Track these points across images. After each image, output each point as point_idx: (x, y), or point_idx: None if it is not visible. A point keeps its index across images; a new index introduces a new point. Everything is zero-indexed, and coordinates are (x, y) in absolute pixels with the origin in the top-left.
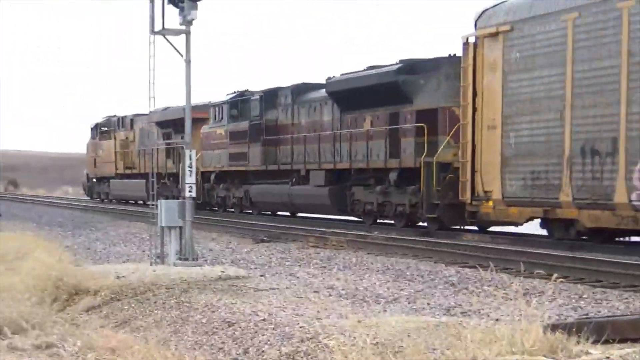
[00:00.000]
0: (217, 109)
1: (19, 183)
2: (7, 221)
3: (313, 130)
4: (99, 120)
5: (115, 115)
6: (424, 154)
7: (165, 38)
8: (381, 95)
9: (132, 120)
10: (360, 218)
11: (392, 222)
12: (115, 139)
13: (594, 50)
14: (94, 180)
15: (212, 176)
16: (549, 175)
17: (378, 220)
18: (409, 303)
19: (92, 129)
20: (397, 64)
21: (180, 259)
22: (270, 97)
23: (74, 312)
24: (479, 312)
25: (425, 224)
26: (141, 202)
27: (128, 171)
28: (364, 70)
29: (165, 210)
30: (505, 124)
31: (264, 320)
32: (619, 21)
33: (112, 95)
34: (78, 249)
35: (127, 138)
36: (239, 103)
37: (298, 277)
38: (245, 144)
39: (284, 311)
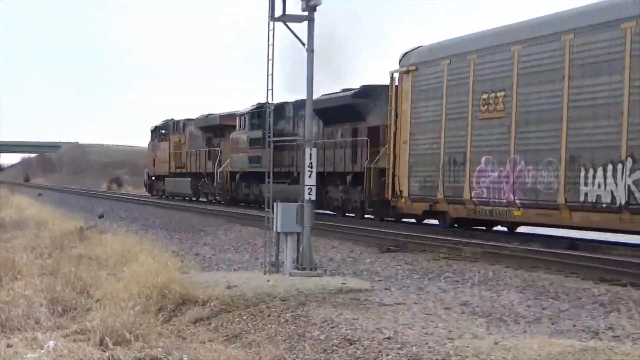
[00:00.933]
0: (241, 118)
1: (122, 182)
2: (108, 221)
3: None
4: (158, 123)
5: (172, 119)
6: (367, 161)
7: (286, 25)
8: (345, 113)
9: (184, 124)
10: (333, 212)
11: (353, 214)
12: (170, 141)
13: (455, 89)
14: (153, 178)
15: (237, 176)
16: (432, 179)
17: (346, 214)
18: (552, 324)
19: (151, 131)
20: (356, 88)
21: (297, 268)
22: (279, 110)
23: (181, 323)
24: (632, 337)
25: (372, 216)
26: (192, 198)
27: (179, 170)
28: (337, 92)
29: (282, 214)
30: (411, 140)
31: (388, 338)
32: (468, 69)
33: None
34: (185, 254)
35: (179, 140)
36: (257, 114)
37: (427, 292)
38: (260, 149)
39: (411, 329)
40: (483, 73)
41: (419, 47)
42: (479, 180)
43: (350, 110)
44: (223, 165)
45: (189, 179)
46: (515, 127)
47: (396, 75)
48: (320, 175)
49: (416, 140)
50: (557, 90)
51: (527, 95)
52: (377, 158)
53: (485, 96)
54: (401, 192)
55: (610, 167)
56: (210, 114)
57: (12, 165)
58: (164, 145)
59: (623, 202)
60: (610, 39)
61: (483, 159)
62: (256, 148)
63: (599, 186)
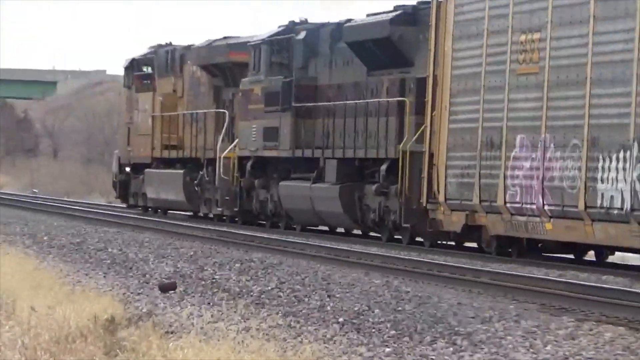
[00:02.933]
0: (255, 52)
1: None
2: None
3: (341, 96)
4: (138, 54)
5: (161, 46)
6: (405, 141)
7: None
8: (384, 53)
9: (181, 57)
10: (372, 232)
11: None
12: (155, 91)
13: (496, 23)
14: (128, 170)
15: (249, 165)
16: (470, 171)
17: None
18: None
19: (125, 69)
20: (395, 10)
21: None
22: (312, 38)
23: None
24: None
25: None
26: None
27: (172, 153)
28: (376, 14)
29: None
30: (450, 105)
31: None
32: None
33: None
34: None
35: (174, 91)
36: (280, 44)
37: None
38: (277, 114)
39: None
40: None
41: None
42: (513, 174)
43: (388, 48)
44: (233, 144)
45: (181, 171)
46: (547, 90)
47: None
48: (352, 164)
49: (456, 105)
50: (583, 37)
51: (559, 41)
52: (417, 134)
53: (522, 38)
54: (439, 193)
55: (620, 154)
56: (215, 41)
57: None
58: (145, 100)
59: (629, 207)
60: None
61: (517, 140)
62: (273, 111)
63: (612, 183)
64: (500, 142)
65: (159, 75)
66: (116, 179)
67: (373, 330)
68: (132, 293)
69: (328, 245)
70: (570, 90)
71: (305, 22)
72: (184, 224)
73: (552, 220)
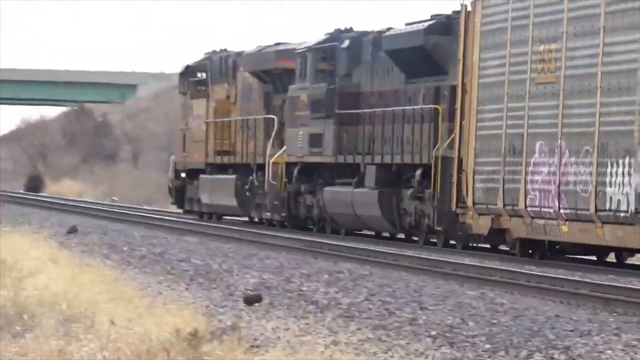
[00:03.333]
0: (302, 60)
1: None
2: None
3: (381, 103)
4: (193, 61)
5: (216, 52)
6: (438, 146)
7: None
8: (420, 61)
9: (234, 63)
10: (410, 235)
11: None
12: (209, 97)
13: (518, 33)
14: (184, 175)
15: (296, 171)
16: (495, 176)
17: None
18: None
19: (181, 75)
20: (430, 19)
21: None
22: (355, 47)
23: None
24: None
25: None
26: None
27: (225, 158)
28: (413, 23)
29: None
30: (478, 112)
31: None
32: (529, 3)
33: None
34: None
35: (228, 97)
36: (326, 52)
37: None
38: (322, 121)
39: None
40: (541, 12)
41: None
42: (533, 178)
43: (424, 57)
44: (282, 150)
45: (233, 177)
46: (563, 98)
47: (468, 2)
48: (390, 169)
49: (483, 112)
50: (594, 47)
51: (574, 52)
52: (448, 141)
53: (541, 48)
54: (467, 197)
55: (626, 160)
56: (265, 48)
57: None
58: (199, 107)
59: (633, 210)
60: None
61: (537, 146)
62: (317, 118)
63: (619, 187)
64: (522, 148)
65: (212, 82)
66: (172, 184)
67: (467, 344)
68: (215, 305)
69: (420, 256)
70: (583, 98)
71: (350, 30)
72: (269, 233)
73: (567, 223)
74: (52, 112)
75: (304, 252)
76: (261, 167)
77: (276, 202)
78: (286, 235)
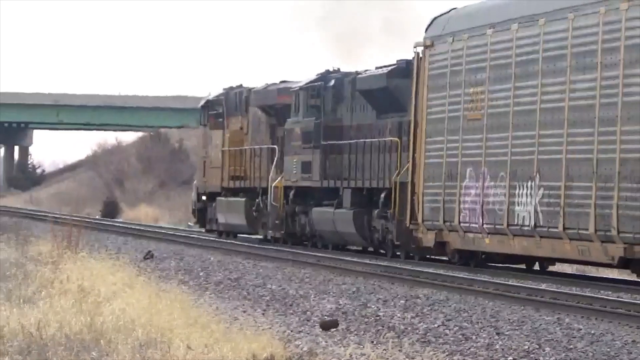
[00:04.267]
0: (296, 97)
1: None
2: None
3: (359, 135)
4: (212, 95)
5: (233, 88)
6: (397, 172)
7: None
8: (385, 100)
9: (246, 98)
10: (377, 249)
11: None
12: (225, 128)
13: (454, 78)
14: (204, 197)
15: (291, 194)
16: (437, 197)
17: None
18: None
19: (202, 108)
20: (393, 64)
21: None
22: (339, 86)
23: None
24: None
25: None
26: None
27: (237, 183)
28: (379, 68)
29: None
30: (426, 143)
31: None
32: (462, 52)
33: None
34: None
35: (241, 128)
36: (315, 90)
37: None
38: (311, 150)
39: None
40: (471, 60)
41: (449, 11)
42: (464, 199)
43: (387, 97)
44: (281, 175)
45: (243, 199)
46: (486, 132)
47: (419, 49)
48: (360, 193)
49: (429, 143)
50: (507, 90)
51: (494, 94)
52: (405, 168)
53: (471, 90)
54: (418, 216)
55: (529, 183)
56: (270, 85)
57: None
58: (217, 137)
59: (533, 224)
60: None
61: (467, 172)
62: (308, 147)
63: (524, 206)
64: (457, 174)
65: (228, 114)
66: (195, 206)
67: None
68: (292, 331)
69: (496, 281)
70: (500, 132)
71: (337, 71)
72: (346, 258)
73: (489, 236)
74: (128, 137)
75: (380, 277)
76: (265, 191)
77: (277, 221)
78: (363, 261)
